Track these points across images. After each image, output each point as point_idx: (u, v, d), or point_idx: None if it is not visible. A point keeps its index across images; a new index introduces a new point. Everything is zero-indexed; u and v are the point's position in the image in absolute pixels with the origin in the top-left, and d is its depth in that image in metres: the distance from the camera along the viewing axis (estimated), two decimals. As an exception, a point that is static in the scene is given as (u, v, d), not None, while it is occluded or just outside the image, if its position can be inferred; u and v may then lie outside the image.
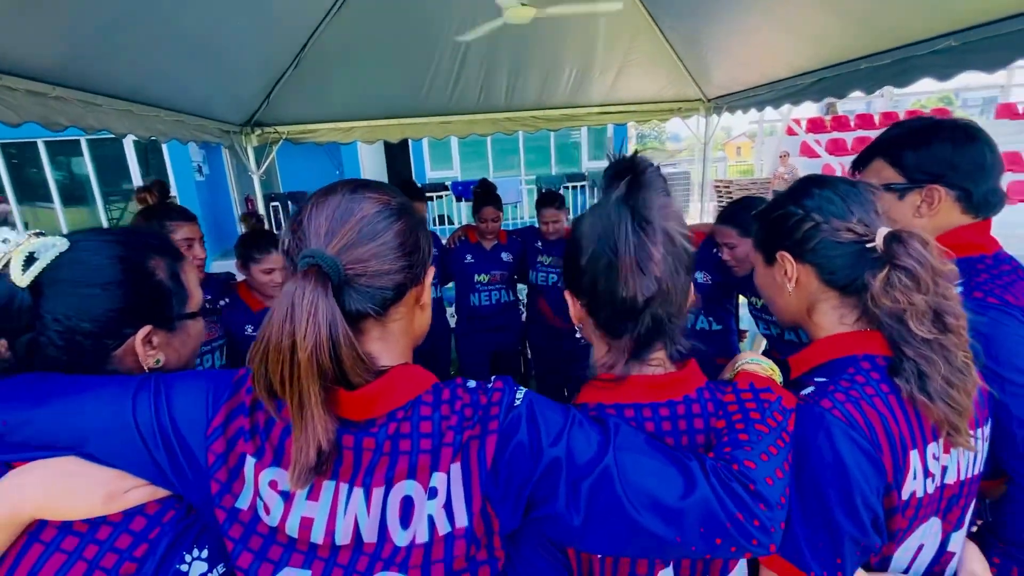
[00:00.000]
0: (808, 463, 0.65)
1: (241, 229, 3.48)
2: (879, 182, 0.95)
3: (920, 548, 0.75)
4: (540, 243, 2.83)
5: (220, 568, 0.59)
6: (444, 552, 0.55)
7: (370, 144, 4.12)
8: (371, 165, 10.24)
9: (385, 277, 0.57)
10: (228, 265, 8.87)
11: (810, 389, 0.71)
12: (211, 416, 0.57)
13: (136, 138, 2.42)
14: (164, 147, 7.93)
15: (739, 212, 1.74)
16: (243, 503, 0.56)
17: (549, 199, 2.78)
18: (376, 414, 0.57)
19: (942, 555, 0.77)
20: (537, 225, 2.88)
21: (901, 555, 0.73)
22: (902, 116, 11.40)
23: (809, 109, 11.30)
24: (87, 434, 0.55)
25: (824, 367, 0.74)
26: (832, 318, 0.77)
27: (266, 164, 3.77)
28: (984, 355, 0.75)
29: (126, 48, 2.00)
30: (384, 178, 11.04)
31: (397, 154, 10.84)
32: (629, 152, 0.68)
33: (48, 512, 0.55)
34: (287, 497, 0.55)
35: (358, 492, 0.56)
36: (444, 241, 2.93)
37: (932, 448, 0.69)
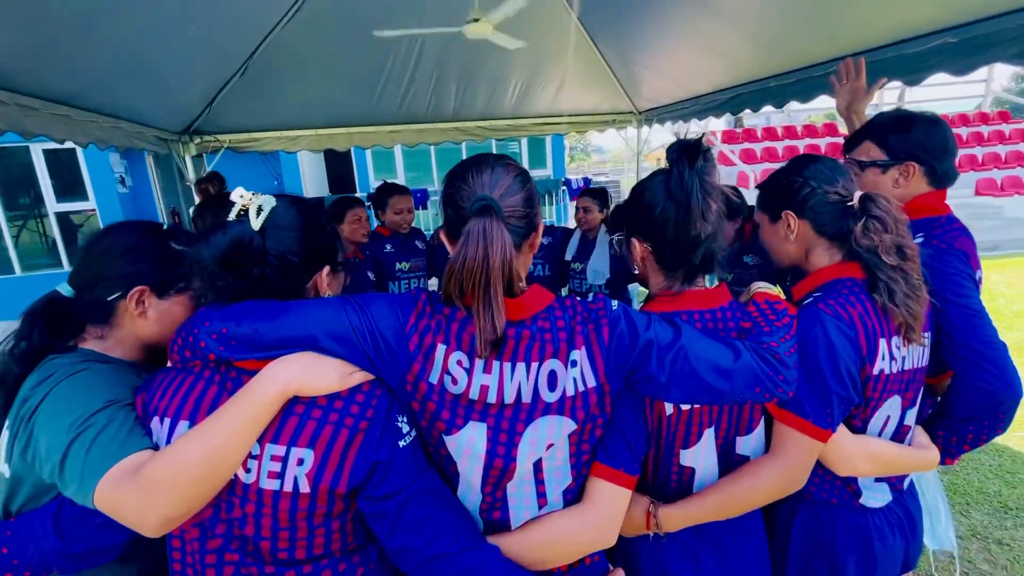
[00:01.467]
0: (809, 346, 0.90)
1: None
2: (867, 159, 1.23)
3: (887, 420, 1.01)
4: None
5: (413, 431, 0.77)
6: (583, 402, 0.78)
7: (316, 152, 4.08)
8: (312, 172, 9.89)
9: (523, 220, 0.78)
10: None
11: (808, 300, 0.98)
12: (404, 320, 0.77)
13: (74, 144, 2.29)
14: (81, 157, 7.22)
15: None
16: (434, 379, 0.76)
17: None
18: (526, 315, 0.78)
19: (901, 427, 1.04)
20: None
21: (874, 424, 1.00)
22: (799, 129, 12.80)
23: (721, 123, 12.41)
24: (318, 335, 0.74)
25: (819, 288, 1.01)
26: (824, 258, 1.03)
27: (205, 174, 3.63)
28: (931, 282, 1.03)
29: (65, 52, 1.92)
30: (324, 186, 10.68)
31: (339, 162, 10.55)
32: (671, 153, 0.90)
33: (304, 390, 0.71)
34: (469, 372, 0.76)
35: (520, 366, 0.77)
36: (428, 238, 3.06)
37: (895, 340, 0.97)
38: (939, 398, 1.17)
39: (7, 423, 0.81)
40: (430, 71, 3.32)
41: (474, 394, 0.76)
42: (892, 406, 1.00)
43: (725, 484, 0.91)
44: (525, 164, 10.73)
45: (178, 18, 2.18)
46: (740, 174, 10.98)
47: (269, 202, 0.78)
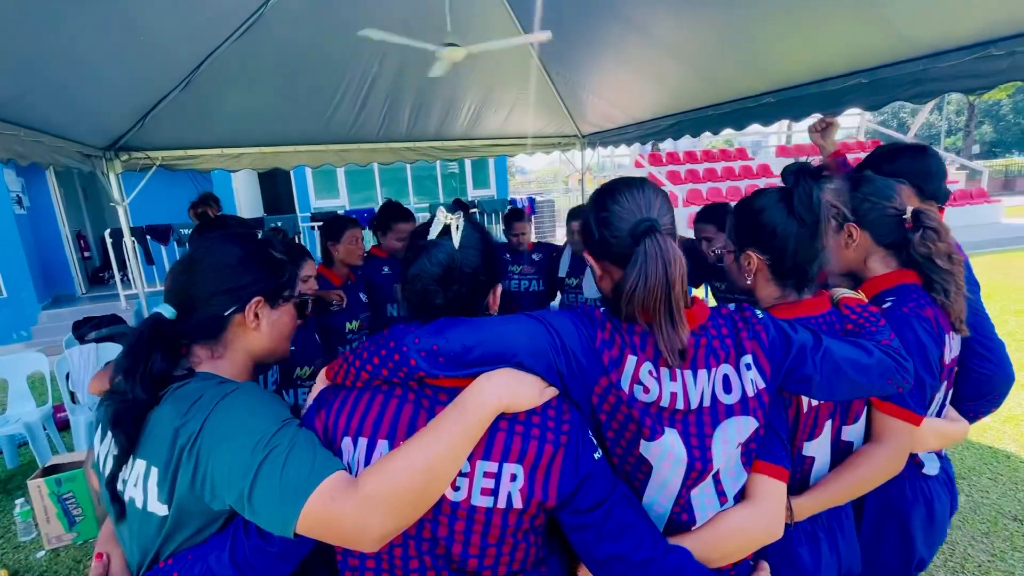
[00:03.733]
0: (903, 345, 0.98)
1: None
2: None
3: (939, 402, 1.16)
4: (508, 255, 3.08)
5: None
6: (758, 402, 0.83)
7: (261, 171, 3.89)
8: (246, 192, 9.28)
9: (674, 238, 0.82)
10: (62, 315, 7.24)
11: (888, 304, 1.10)
12: (592, 336, 0.80)
13: (-7, 160, 2.05)
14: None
15: (716, 213, 2.13)
16: (625, 388, 0.79)
17: (517, 215, 3.11)
18: (696, 325, 0.82)
19: (943, 407, 1.20)
20: (502, 240, 3.15)
21: (933, 407, 1.14)
22: (715, 152, 14.02)
23: (635, 148, 13.27)
24: (518, 351, 0.75)
25: (887, 291, 1.14)
26: (881, 265, 1.17)
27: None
28: None
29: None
30: (259, 207, 10.08)
31: (275, 182, 10.01)
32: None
33: (512, 406, 0.73)
34: (659, 380, 0.79)
35: (701, 372, 0.81)
36: None
37: (952, 334, 1.12)
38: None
39: (145, 459, 0.74)
40: (385, 92, 3.31)
41: (665, 401, 0.79)
42: (944, 390, 1.17)
43: (845, 472, 1.00)
44: (469, 185, 10.91)
45: (116, 26, 2.04)
46: (670, 194, 11.81)
47: (462, 221, 0.81)
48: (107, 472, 0.78)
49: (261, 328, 0.87)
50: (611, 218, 0.82)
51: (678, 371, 0.80)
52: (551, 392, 0.77)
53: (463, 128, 4.05)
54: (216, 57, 2.67)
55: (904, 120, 30.12)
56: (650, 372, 0.79)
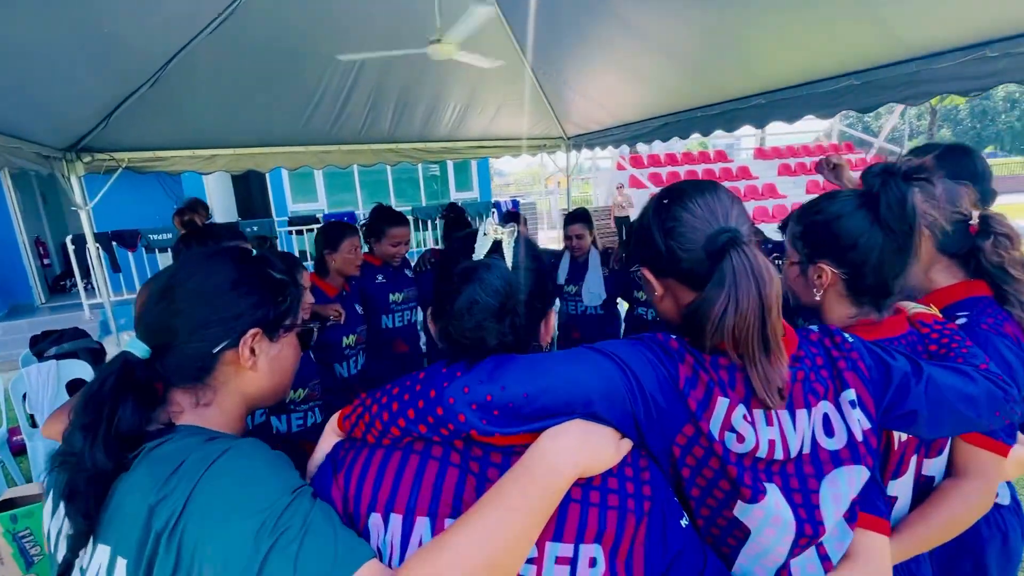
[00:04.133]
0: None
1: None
2: None
3: None
4: None
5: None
6: (867, 448, 0.70)
7: (236, 173, 3.72)
8: (219, 195, 8.92)
9: None
10: (19, 326, 6.84)
11: (962, 320, 1.00)
12: (673, 374, 0.65)
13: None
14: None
15: None
16: (715, 435, 0.65)
17: (513, 219, 3.10)
18: (789, 355, 0.69)
19: None
20: None
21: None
22: (695, 154, 14.26)
23: (624, 150, 13.35)
24: (593, 397, 0.61)
25: (957, 304, 1.04)
26: (945, 275, 1.09)
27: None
28: None
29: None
30: (232, 211, 9.75)
31: (249, 184, 9.68)
32: None
33: (588, 469, 0.59)
34: (754, 426, 0.66)
35: (800, 413, 0.68)
36: (413, 265, 2.80)
37: None
38: None
39: (109, 546, 0.58)
40: (368, 91, 3.20)
41: (762, 451, 0.66)
42: None
43: (934, 513, 0.90)
44: (451, 188, 10.77)
45: (77, 18, 1.89)
46: (652, 195, 11.92)
47: (511, 236, 0.67)
48: (60, 558, 0.61)
49: (258, 366, 0.70)
50: (681, 228, 0.70)
51: (774, 413, 0.67)
52: (627, 446, 0.63)
53: (447, 129, 3.97)
54: (188, 52, 2.52)
55: (868, 124, 31.21)
56: (744, 416, 0.66)
